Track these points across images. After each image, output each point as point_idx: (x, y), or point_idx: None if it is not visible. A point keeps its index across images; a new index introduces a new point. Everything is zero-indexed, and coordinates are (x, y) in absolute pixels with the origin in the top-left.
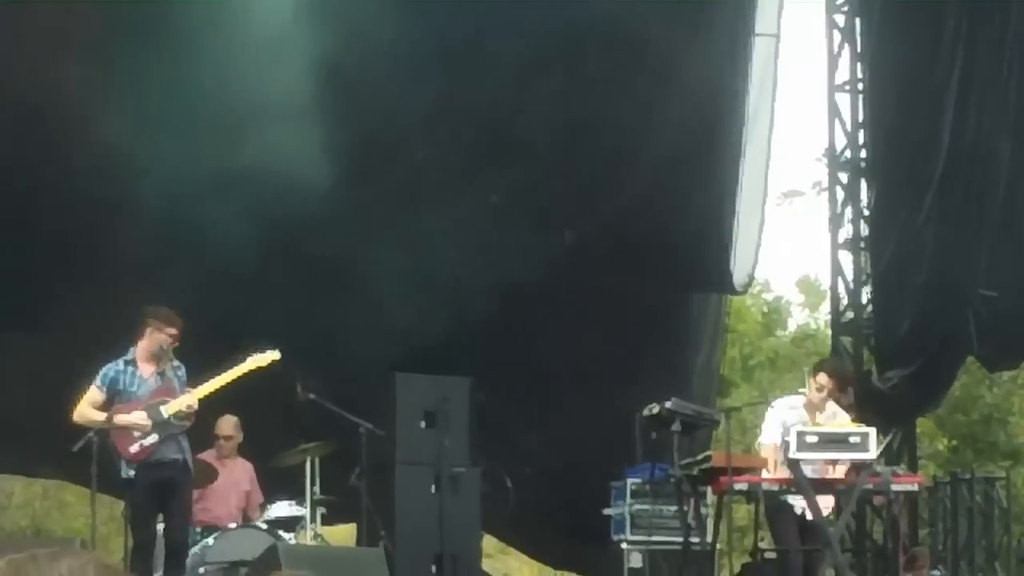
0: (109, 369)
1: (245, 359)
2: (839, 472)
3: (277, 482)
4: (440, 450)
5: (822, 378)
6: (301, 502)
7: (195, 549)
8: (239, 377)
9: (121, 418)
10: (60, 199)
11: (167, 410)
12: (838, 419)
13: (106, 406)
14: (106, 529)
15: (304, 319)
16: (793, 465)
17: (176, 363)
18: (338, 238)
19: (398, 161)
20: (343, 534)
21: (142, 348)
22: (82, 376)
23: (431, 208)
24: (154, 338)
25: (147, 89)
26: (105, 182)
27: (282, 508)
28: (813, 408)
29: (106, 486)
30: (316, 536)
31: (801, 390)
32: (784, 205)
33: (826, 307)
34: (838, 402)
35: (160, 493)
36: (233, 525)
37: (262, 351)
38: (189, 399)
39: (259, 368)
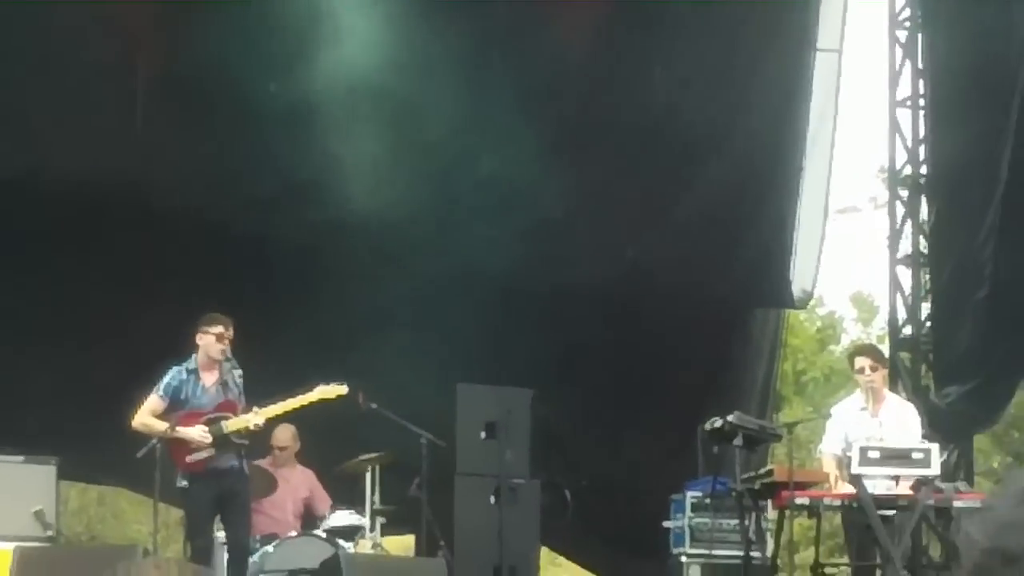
0: (172, 378)
1: (314, 387)
2: (902, 488)
3: (337, 491)
4: (500, 462)
5: (859, 361)
6: (361, 511)
7: (254, 557)
8: (304, 406)
9: (183, 431)
10: None
11: (228, 426)
12: (900, 409)
13: (167, 415)
14: (160, 536)
15: (366, 328)
16: (856, 480)
17: (236, 369)
18: (405, 246)
19: (461, 169)
20: (402, 544)
21: (201, 356)
22: (144, 383)
23: (494, 218)
24: (204, 342)
25: None
26: None
27: (342, 517)
28: (869, 397)
29: (166, 494)
30: (375, 546)
31: (851, 395)
32: (840, 221)
33: (879, 322)
34: (884, 378)
35: (218, 501)
36: (293, 533)
37: (328, 383)
38: (255, 419)
39: (325, 400)
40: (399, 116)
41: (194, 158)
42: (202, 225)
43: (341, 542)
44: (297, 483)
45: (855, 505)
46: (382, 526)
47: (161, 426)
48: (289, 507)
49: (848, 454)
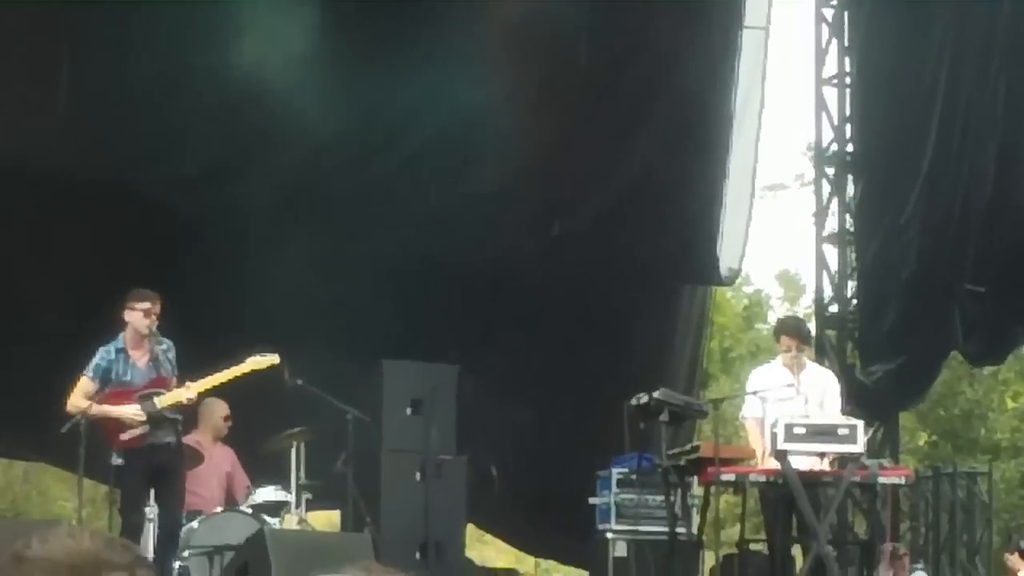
0: (100, 359)
1: (245, 359)
2: (826, 464)
3: (262, 467)
4: (426, 438)
5: (785, 340)
6: (286, 487)
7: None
8: (237, 377)
9: (113, 410)
10: None
11: (161, 402)
12: (820, 379)
13: (99, 395)
14: (85, 512)
15: (292, 304)
16: (781, 456)
17: (165, 344)
18: (330, 224)
19: (394, 150)
20: (328, 520)
21: (128, 333)
22: (69, 359)
23: (422, 198)
24: (131, 318)
25: None
26: None
27: (267, 493)
28: (791, 368)
29: (91, 470)
30: (301, 521)
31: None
32: (766, 198)
33: (805, 301)
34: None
35: (152, 477)
36: (218, 509)
37: (262, 353)
38: (187, 393)
39: (258, 370)
40: (327, 93)
41: (121, 134)
42: (126, 201)
43: (266, 518)
44: (220, 459)
45: (780, 481)
46: (307, 502)
47: (92, 407)
48: (214, 483)
49: (773, 430)
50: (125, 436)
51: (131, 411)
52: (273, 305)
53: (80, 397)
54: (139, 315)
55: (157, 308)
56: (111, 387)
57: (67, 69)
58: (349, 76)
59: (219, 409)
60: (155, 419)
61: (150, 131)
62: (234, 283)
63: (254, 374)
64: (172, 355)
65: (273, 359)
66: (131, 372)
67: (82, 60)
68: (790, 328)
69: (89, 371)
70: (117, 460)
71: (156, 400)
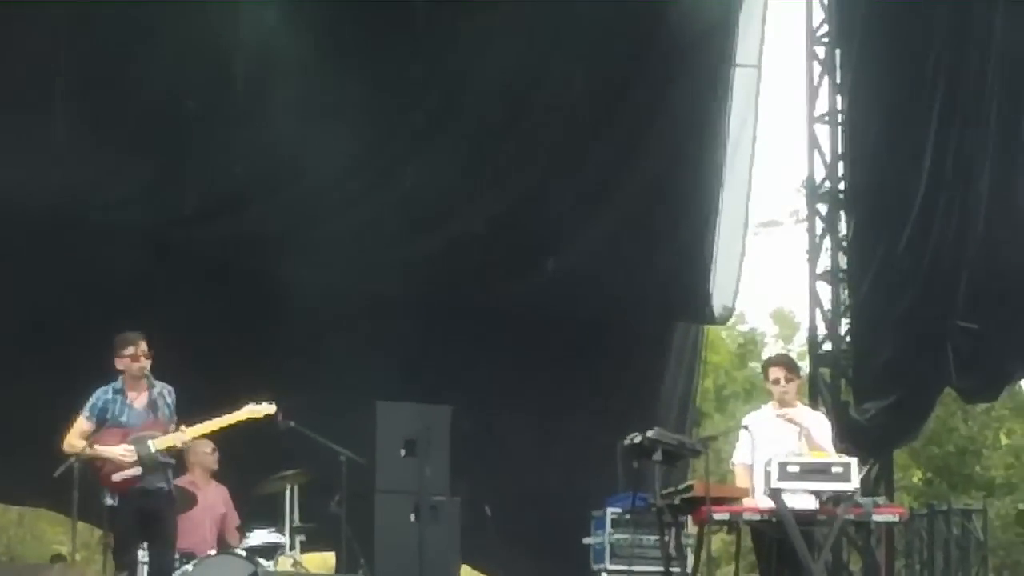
0: (97, 399)
1: (241, 406)
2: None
3: (257, 509)
4: (420, 479)
5: (773, 372)
6: (280, 529)
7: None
8: (233, 425)
9: (105, 450)
10: None
11: (155, 445)
12: (811, 420)
13: (95, 435)
14: (80, 556)
15: (286, 346)
16: (775, 495)
17: (165, 389)
18: (320, 264)
19: (384, 187)
20: (322, 562)
21: (126, 377)
22: (66, 400)
23: (413, 237)
24: (123, 365)
25: None
26: None
27: (261, 535)
28: (782, 407)
29: (86, 513)
30: (295, 564)
31: (763, 405)
32: (761, 235)
33: (800, 339)
34: (798, 389)
35: (144, 521)
36: (212, 552)
37: (258, 401)
38: (181, 438)
39: (253, 419)
40: (319, 136)
41: (116, 173)
42: (124, 240)
43: (261, 560)
44: (214, 499)
45: (774, 520)
46: (302, 544)
47: (84, 446)
48: (207, 524)
49: (767, 468)
50: (118, 477)
51: (120, 451)
52: (267, 346)
53: (76, 437)
54: (127, 360)
55: (144, 348)
56: (107, 427)
57: (61, 104)
58: (342, 118)
59: (203, 445)
60: (147, 461)
61: (142, 170)
62: (229, 324)
63: (249, 422)
64: (172, 400)
65: (269, 409)
66: (128, 413)
67: (75, 95)
68: (776, 360)
69: (86, 411)
70: (110, 500)
71: (151, 443)
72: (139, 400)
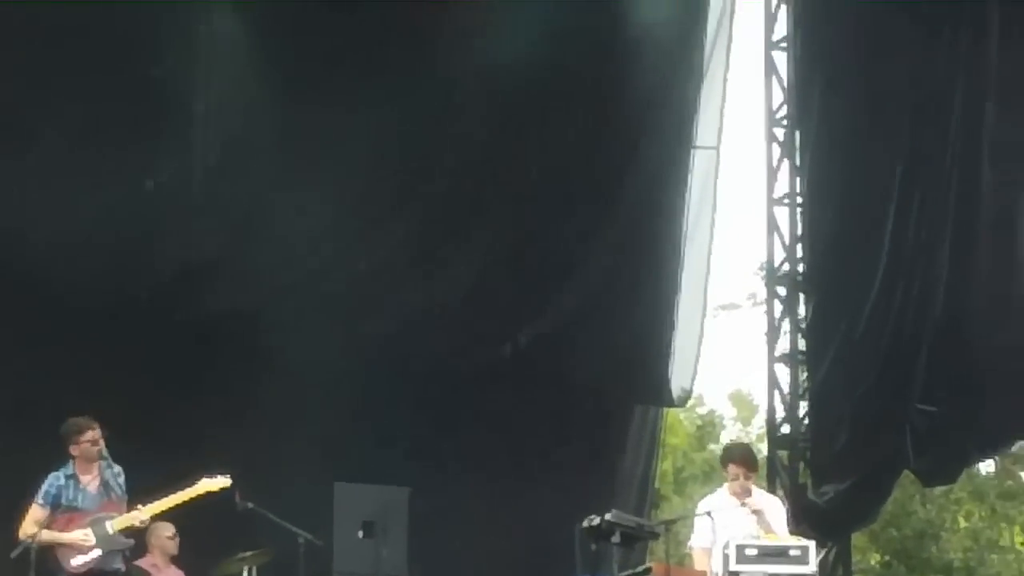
0: (50, 485)
1: (196, 481)
2: None
3: None
4: (377, 560)
5: (732, 468)
6: None
7: None
8: (189, 500)
9: (63, 536)
10: None
11: (113, 526)
12: (767, 503)
13: (49, 520)
14: None
15: (244, 426)
16: None
17: (115, 468)
18: (278, 338)
19: (343, 268)
20: None
21: (78, 460)
22: (23, 478)
23: (375, 310)
24: (80, 451)
25: None
26: None
27: None
28: (738, 496)
29: None
30: None
31: (718, 489)
32: (720, 317)
33: (758, 421)
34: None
35: None
36: None
37: (213, 476)
38: (140, 516)
39: (210, 492)
40: (279, 212)
41: (80, 240)
42: (80, 308)
43: None
44: None
45: None
46: None
47: (44, 535)
48: None
49: (725, 551)
50: (76, 563)
51: (80, 535)
52: (225, 425)
53: (31, 524)
54: (87, 445)
55: (98, 431)
56: (61, 512)
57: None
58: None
59: (164, 529)
60: (106, 543)
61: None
62: (187, 400)
63: (206, 496)
64: (122, 480)
65: (224, 482)
66: (81, 497)
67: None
68: (736, 456)
69: (39, 498)
70: None
71: (108, 524)
72: (92, 483)
